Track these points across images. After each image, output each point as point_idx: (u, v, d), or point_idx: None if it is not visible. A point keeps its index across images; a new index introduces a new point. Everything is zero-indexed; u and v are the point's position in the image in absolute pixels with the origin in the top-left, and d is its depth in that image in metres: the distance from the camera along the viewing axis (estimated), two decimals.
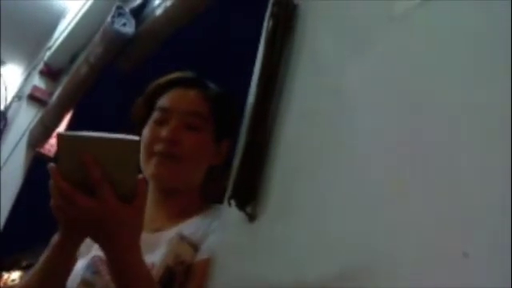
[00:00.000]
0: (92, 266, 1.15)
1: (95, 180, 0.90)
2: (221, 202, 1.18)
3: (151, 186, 1.22)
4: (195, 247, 1.13)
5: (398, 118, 0.79)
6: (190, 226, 1.19)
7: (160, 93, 1.32)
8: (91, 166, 0.89)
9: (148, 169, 1.21)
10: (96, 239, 0.99)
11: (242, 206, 1.00)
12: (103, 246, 0.97)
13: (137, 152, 0.92)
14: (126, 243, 0.95)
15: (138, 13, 2.91)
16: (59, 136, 0.89)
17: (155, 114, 1.28)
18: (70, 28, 3.86)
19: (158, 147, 1.22)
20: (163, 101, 1.30)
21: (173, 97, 1.30)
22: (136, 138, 0.90)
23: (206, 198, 1.29)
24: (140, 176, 0.96)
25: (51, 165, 0.91)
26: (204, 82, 1.33)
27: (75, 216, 0.92)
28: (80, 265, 1.17)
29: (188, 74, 1.35)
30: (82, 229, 0.96)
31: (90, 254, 1.18)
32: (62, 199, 0.91)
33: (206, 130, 1.27)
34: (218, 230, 1.15)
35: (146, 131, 1.28)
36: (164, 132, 1.23)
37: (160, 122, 1.26)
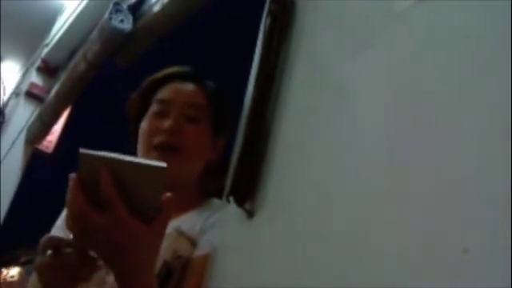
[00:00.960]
0: None
1: (106, 193, 0.84)
2: (218, 197, 1.18)
3: None
4: (193, 242, 1.13)
5: (397, 116, 0.79)
6: (188, 221, 1.19)
7: (157, 87, 1.32)
8: (104, 180, 0.83)
9: None
10: (106, 258, 0.90)
11: (240, 202, 1.00)
12: (113, 265, 0.89)
13: (162, 179, 0.85)
14: (137, 262, 0.87)
15: (135, 9, 2.90)
16: (81, 154, 0.85)
17: (154, 107, 1.29)
18: (67, 24, 3.85)
19: (159, 138, 1.22)
20: (162, 93, 1.30)
21: (172, 89, 1.30)
22: (163, 164, 0.85)
23: (203, 193, 1.29)
24: (168, 195, 0.88)
25: (72, 175, 0.86)
26: (201, 77, 1.34)
27: (87, 232, 0.86)
28: None
29: (185, 68, 1.35)
30: (92, 246, 0.89)
31: None
32: (76, 213, 0.85)
33: (205, 123, 1.28)
34: (216, 225, 1.15)
35: (144, 124, 1.28)
36: (165, 123, 1.23)
37: (159, 114, 1.26)
